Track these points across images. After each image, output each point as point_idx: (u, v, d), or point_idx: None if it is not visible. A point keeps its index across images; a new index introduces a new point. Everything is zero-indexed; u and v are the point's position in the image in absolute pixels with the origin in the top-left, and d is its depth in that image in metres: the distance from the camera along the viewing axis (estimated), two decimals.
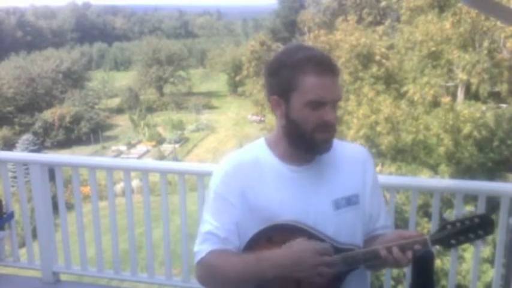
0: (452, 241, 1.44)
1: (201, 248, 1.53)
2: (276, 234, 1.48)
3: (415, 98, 13.89)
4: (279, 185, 1.52)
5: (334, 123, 1.46)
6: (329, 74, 1.44)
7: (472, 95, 14.94)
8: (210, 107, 44.51)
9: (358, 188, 1.57)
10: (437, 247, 1.52)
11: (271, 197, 1.50)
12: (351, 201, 1.54)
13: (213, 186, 1.57)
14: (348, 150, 1.63)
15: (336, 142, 1.55)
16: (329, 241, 1.48)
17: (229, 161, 1.58)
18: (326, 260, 1.40)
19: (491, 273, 8.33)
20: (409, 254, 1.42)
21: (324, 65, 1.44)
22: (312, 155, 1.53)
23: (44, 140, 33.48)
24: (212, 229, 1.52)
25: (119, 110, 43.02)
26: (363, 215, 1.58)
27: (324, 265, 1.40)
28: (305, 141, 1.47)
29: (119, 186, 12.24)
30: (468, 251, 9.79)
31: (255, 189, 1.51)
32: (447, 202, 8.43)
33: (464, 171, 12.49)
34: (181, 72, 49.46)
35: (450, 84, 15.42)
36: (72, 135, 34.80)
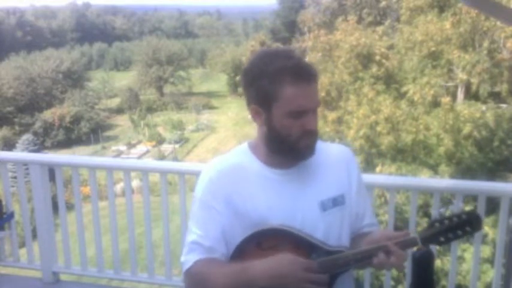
0: (441, 238, 1.45)
1: (187, 259, 1.51)
2: (264, 239, 1.46)
3: (415, 98, 13.89)
4: (264, 189, 1.51)
5: (316, 130, 1.47)
6: (307, 82, 1.43)
7: (472, 95, 14.93)
8: (210, 107, 44.47)
9: (343, 188, 1.57)
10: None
11: (258, 202, 1.49)
12: (337, 201, 1.54)
13: (197, 194, 1.56)
14: (331, 151, 1.63)
15: (319, 143, 1.54)
16: (318, 243, 1.47)
17: (213, 167, 1.56)
18: (314, 276, 1.40)
19: (491, 273, 8.33)
20: (392, 259, 1.38)
21: (302, 74, 1.42)
22: (296, 161, 1.52)
23: (44, 140, 33.45)
24: (197, 238, 1.50)
25: (119, 110, 43.01)
26: (349, 215, 1.58)
27: (312, 282, 1.39)
28: (289, 148, 1.47)
29: (119, 186, 12.24)
30: (468, 251, 9.78)
31: (241, 194, 1.50)
32: (447, 202, 8.43)
33: (464, 171, 12.49)
34: (181, 72, 49.43)
35: (450, 84, 15.42)
36: (72, 135, 34.76)
